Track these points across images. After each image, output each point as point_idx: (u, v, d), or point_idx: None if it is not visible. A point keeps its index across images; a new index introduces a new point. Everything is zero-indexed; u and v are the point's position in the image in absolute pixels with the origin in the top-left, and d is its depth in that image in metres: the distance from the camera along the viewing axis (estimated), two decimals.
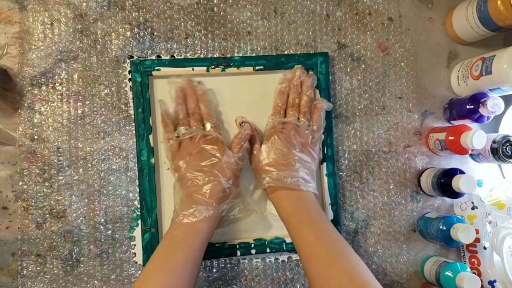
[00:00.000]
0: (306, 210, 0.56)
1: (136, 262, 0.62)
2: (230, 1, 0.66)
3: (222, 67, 0.64)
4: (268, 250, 0.63)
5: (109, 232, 0.62)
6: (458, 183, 0.61)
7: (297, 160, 0.59)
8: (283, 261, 0.65)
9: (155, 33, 0.64)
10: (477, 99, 0.63)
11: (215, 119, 0.62)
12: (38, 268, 0.60)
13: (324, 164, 0.65)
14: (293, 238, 0.55)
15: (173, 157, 0.60)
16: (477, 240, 0.64)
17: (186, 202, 0.56)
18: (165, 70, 0.63)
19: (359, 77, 0.68)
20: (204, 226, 0.54)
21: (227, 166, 0.58)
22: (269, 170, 0.58)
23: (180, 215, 0.55)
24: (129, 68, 0.63)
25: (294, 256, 0.65)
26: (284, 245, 0.63)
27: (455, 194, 0.64)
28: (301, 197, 0.57)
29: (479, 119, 0.63)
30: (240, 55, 0.66)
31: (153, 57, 0.64)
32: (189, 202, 0.56)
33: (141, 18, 0.64)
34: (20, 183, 0.61)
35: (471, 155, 0.70)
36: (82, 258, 0.61)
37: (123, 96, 0.63)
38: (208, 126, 0.60)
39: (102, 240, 0.62)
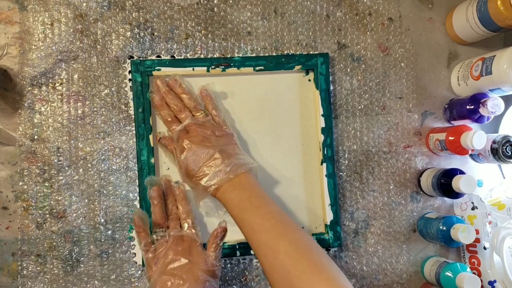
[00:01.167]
0: (247, 197, 0.54)
1: (136, 262, 0.62)
2: (230, 1, 0.66)
3: (223, 67, 0.64)
4: None
5: (109, 232, 0.62)
6: (458, 183, 0.61)
7: (220, 151, 0.57)
8: None
9: (155, 33, 0.64)
10: (477, 99, 0.63)
11: (193, 217, 0.60)
12: (38, 268, 0.60)
13: (324, 164, 0.65)
14: (241, 231, 0.54)
15: (149, 267, 0.56)
16: (477, 240, 0.64)
17: None
18: (165, 70, 0.63)
19: (359, 77, 0.68)
20: None
21: (201, 268, 0.54)
22: (203, 175, 0.56)
23: None
24: (129, 68, 0.63)
25: None
26: None
27: (455, 194, 0.64)
28: (241, 184, 0.55)
29: (479, 119, 0.63)
30: (240, 55, 0.66)
31: (153, 57, 0.64)
32: None
33: (141, 18, 0.64)
34: (20, 183, 0.61)
35: (471, 155, 0.70)
36: (82, 258, 0.61)
37: (123, 96, 0.63)
38: (185, 226, 0.59)
39: (102, 240, 0.62)
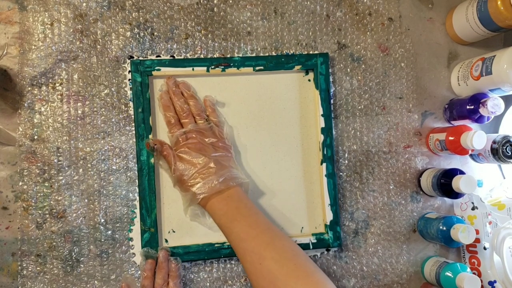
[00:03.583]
0: (234, 207, 0.56)
1: (136, 262, 0.62)
2: (230, 1, 0.66)
3: (222, 67, 0.64)
4: None
5: (109, 232, 0.62)
6: (458, 183, 0.61)
7: (216, 161, 0.58)
8: None
9: (155, 33, 0.64)
10: (477, 99, 0.63)
11: None
12: (38, 268, 0.60)
13: (324, 164, 0.65)
14: (228, 240, 0.56)
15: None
16: (477, 240, 0.64)
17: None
18: (165, 70, 0.63)
19: (359, 77, 0.68)
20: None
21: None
22: (194, 182, 0.57)
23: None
24: (129, 68, 0.63)
25: None
26: None
27: (455, 195, 0.64)
28: (230, 195, 0.56)
29: (479, 119, 0.63)
30: (240, 55, 0.66)
31: (153, 57, 0.64)
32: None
33: (141, 18, 0.64)
34: (20, 183, 0.61)
35: (471, 155, 0.70)
36: (82, 258, 0.61)
37: (123, 96, 0.63)
38: None
39: (102, 240, 0.62)
